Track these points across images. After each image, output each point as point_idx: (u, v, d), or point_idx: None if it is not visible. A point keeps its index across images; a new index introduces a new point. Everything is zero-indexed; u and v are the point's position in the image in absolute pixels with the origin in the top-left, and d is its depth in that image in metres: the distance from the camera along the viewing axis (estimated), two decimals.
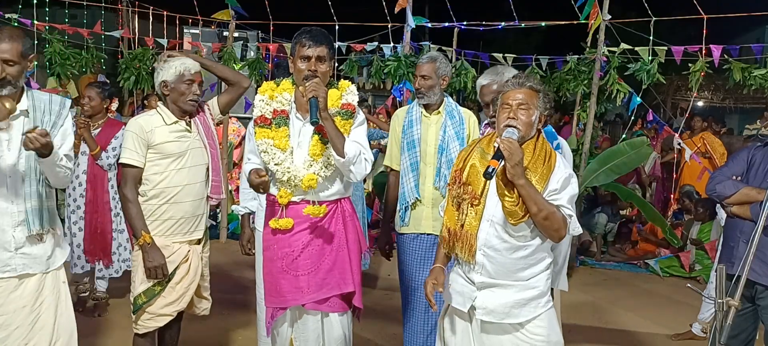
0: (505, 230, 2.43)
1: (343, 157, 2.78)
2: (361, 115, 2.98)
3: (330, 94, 2.86)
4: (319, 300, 2.89)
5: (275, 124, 2.88)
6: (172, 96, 3.12)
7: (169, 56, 3.18)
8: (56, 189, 2.91)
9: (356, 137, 2.88)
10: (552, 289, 2.79)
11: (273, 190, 2.94)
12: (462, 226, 2.49)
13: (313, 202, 2.87)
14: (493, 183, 2.42)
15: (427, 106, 3.64)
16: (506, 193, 2.34)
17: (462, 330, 2.59)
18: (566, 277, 3.30)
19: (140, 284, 3.07)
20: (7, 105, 2.50)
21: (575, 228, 2.44)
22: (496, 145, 2.31)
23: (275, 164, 2.85)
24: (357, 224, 3.05)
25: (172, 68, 3.10)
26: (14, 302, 2.67)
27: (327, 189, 2.91)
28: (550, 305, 2.55)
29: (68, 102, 2.83)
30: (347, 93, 2.95)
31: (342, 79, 3.03)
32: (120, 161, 3.07)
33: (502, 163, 2.29)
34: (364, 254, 3.13)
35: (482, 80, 3.26)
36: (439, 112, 3.62)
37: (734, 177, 3.28)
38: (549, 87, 6.63)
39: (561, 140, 3.26)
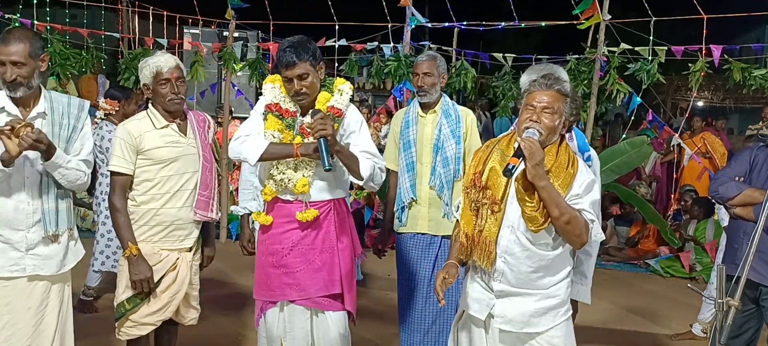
0: (526, 237, 2.33)
1: (362, 180, 2.78)
2: (358, 117, 2.91)
3: (322, 96, 2.82)
4: (307, 299, 2.90)
5: (287, 126, 2.83)
6: (155, 98, 2.98)
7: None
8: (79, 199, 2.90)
9: (364, 146, 2.83)
10: (575, 301, 2.70)
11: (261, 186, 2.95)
12: (480, 232, 2.38)
13: (306, 204, 2.85)
14: (513, 188, 2.33)
15: (424, 106, 3.64)
16: (526, 198, 2.24)
17: (477, 337, 2.51)
18: (589, 289, 2.95)
19: (124, 291, 2.97)
20: (14, 141, 2.45)
21: (597, 234, 2.33)
22: (517, 145, 2.25)
23: (278, 162, 2.84)
24: (351, 228, 3.04)
25: (147, 69, 2.95)
26: (21, 302, 2.68)
27: (320, 192, 2.88)
28: (569, 314, 2.46)
29: (87, 104, 2.84)
30: (337, 94, 2.85)
31: (337, 79, 2.93)
32: (108, 169, 2.95)
33: (523, 163, 2.21)
34: (357, 258, 3.09)
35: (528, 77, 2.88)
36: (434, 111, 3.61)
37: (737, 178, 3.25)
38: None
39: (592, 153, 2.95)
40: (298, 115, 2.85)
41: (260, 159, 2.76)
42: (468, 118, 3.63)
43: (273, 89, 2.87)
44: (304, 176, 2.80)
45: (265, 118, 2.83)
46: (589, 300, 2.88)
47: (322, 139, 2.60)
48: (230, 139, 7.26)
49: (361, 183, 2.83)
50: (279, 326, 2.98)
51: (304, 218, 2.83)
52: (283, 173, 2.82)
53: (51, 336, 2.76)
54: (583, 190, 2.31)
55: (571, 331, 2.49)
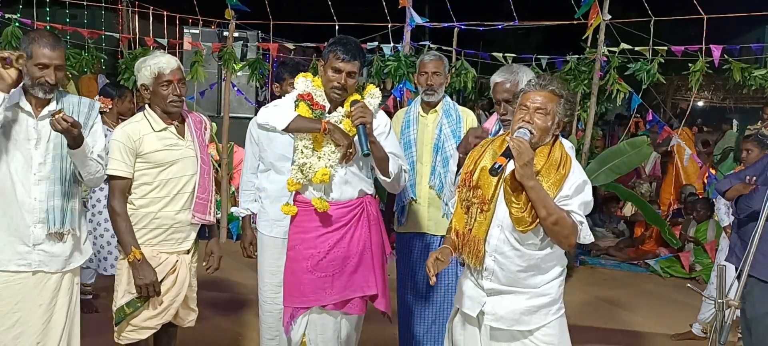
0: (514, 237, 2.35)
1: (389, 177, 2.84)
2: (386, 120, 2.97)
3: (352, 96, 2.88)
4: (341, 302, 2.90)
5: (315, 117, 2.85)
6: (154, 99, 2.94)
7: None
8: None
9: (391, 148, 2.89)
10: None
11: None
12: (470, 230, 2.40)
13: (322, 197, 2.86)
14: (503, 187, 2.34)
15: (425, 105, 3.64)
16: (514, 199, 2.26)
17: (471, 334, 2.53)
18: None
19: (123, 295, 2.95)
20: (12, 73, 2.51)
21: (586, 236, 2.34)
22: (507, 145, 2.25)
23: (303, 147, 2.87)
24: (382, 228, 3.05)
25: (147, 69, 2.91)
26: (32, 299, 2.70)
27: (345, 190, 2.89)
28: (562, 312, 2.47)
29: (97, 104, 2.88)
30: (368, 97, 2.93)
31: (369, 84, 3.02)
32: (107, 173, 2.90)
33: (511, 163, 2.22)
34: (387, 257, 3.11)
35: (496, 77, 3.10)
36: (435, 111, 3.62)
37: (748, 178, 3.53)
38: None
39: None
40: (326, 109, 2.89)
41: (287, 128, 2.81)
42: (468, 118, 3.64)
43: (305, 81, 2.93)
44: (326, 165, 2.82)
45: (296, 106, 2.87)
46: None
47: (361, 126, 2.71)
48: (229, 141, 7.26)
49: (387, 181, 2.87)
50: (301, 330, 2.96)
51: (319, 206, 2.83)
52: (307, 158, 2.84)
53: (59, 334, 2.78)
54: (573, 191, 2.31)
55: (565, 329, 2.50)
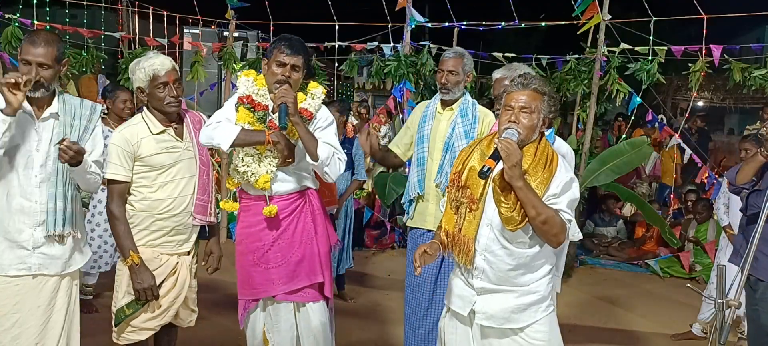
0: (504, 236, 2.38)
1: (316, 161, 2.86)
2: (327, 117, 3.02)
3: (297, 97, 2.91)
4: (291, 291, 2.98)
5: (257, 119, 2.90)
6: (151, 102, 2.93)
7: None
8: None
9: (326, 138, 2.94)
10: None
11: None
12: (460, 230, 2.43)
13: (268, 199, 2.93)
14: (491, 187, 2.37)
15: (445, 102, 3.65)
16: (502, 199, 2.29)
17: (462, 333, 2.55)
18: (560, 279, 3.31)
19: (123, 296, 2.94)
20: (18, 96, 2.48)
21: (574, 233, 2.40)
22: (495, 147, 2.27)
23: (245, 154, 2.91)
24: (326, 218, 3.12)
25: (141, 72, 2.89)
26: (30, 301, 2.70)
27: (286, 184, 2.97)
28: (551, 309, 2.50)
29: (99, 107, 2.86)
30: (309, 98, 2.97)
31: (311, 82, 3.06)
32: (105, 176, 2.89)
33: (500, 164, 2.25)
34: (334, 246, 3.21)
35: (496, 74, 3.31)
36: (452, 109, 3.63)
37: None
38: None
39: (559, 140, 3.20)
40: (269, 109, 2.92)
41: (232, 145, 2.84)
42: (486, 119, 3.61)
43: (247, 82, 2.95)
44: (267, 171, 2.88)
45: (236, 110, 2.91)
46: (560, 289, 3.20)
47: (283, 105, 2.77)
48: None
49: (315, 164, 2.89)
50: (266, 321, 3.06)
51: (268, 213, 2.91)
52: (248, 166, 2.90)
53: (57, 335, 2.77)
54: (561, 190, 2.34)
55: (555, 326, 2.53)
